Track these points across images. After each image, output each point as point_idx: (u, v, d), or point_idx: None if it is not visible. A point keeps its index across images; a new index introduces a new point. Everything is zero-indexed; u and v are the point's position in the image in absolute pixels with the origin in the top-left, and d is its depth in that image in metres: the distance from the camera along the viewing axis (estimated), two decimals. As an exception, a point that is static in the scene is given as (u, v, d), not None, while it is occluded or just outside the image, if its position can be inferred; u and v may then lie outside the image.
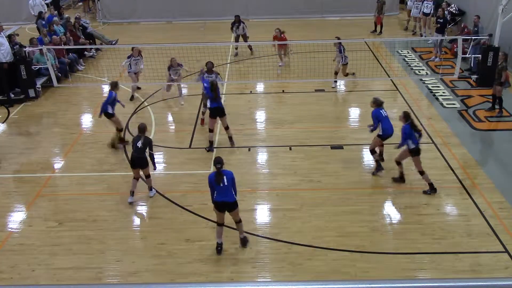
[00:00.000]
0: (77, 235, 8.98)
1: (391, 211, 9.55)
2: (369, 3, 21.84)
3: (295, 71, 15.33)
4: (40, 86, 15.19)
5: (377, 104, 10.38)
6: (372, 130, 10.45)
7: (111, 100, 11.32)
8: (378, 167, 10.61)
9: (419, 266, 8.11)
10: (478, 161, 11.05)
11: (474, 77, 15.38)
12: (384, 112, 10.40)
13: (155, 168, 9.83)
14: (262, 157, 11.61)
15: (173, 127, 13.43)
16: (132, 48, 14.43)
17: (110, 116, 11.48)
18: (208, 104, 11.45)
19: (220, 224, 8.31)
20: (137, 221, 9.53)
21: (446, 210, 9.52)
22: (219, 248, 8.35)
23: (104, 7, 23.65)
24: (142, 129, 9.59)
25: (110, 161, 11.34)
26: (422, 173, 9.83)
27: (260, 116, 13.80)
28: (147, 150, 9.48)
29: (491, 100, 13.50)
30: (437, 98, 14.37)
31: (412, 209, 9.45)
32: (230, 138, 11.79)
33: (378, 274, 7.86)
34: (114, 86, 11.48)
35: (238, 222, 8.39)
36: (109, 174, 10.79)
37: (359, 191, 10.04)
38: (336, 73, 14.93)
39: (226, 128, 11.65)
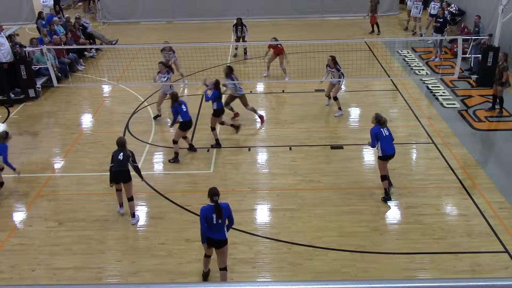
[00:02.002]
0: (77, 235, 8.98)
1: (391, 211, 9.55)
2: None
3: (295, 71, 15.33)
4: (40, 86, 15.19)
5: (379, 121, 9.47)
6: (372, 146, 9.66)
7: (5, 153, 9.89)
8: (387, 196, 9.71)
9: (419, 266, 8.11)
10: (478, 161, 11.05)
11: (474, 77, 15.38)
12: (386, 131, 9.48)
13: (142, 179, 9.41)
14: (262, 157, 11.61)
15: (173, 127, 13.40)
16: (160, 64, 13.00)
17: None
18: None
19: (208, 256, 7.75)
20: (137, 221, 9.53)
21: (446, 210, 9.52)
22: (205, 275, 7.92)
23: (104, 7, 23.64)
24: (122, 143, 9.12)
25: (110, 161, 11.32)
26: (213, 129, 11.76)
27: (260, 116, 13.79)
28: (130, 163, 9.01)
29: (491, 100, 13.51)
30: (437, 98, 14.37)
31: (412, 209, 9.45)
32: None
33: (378, 274, 7.86)
34: (4, 137, 9.98)
35: (223, 269, 7.53)
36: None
37: (359, 191, 10.04)
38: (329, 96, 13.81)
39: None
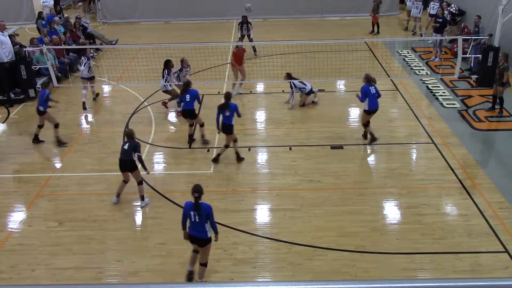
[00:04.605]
0: (77, 235, 8.98)
1: (391, 211, 9.55)
2: (369, 3, 21.83)
3: (295, 71, 15.31)
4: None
5: (368, 80, 11.40)
6: (360, 100, 11.47)
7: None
8: (373, 138, 11.69)
9: (419, 266, 8.11)
10: (478, 161, 11.05)
11: (474, 77, 15.38)
12: (374, 89, 11.33)
13: (146, 171, 9.61)
14: (262, 157, 11.61)
15: (173, 127, 13.43)
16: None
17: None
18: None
19: (195, 251, 7.75)
20: (137, 221, 9.53)
21: (446, 210, 9.52)
22: (190, 276, 7.81)
23: (104, 7, 23.65)
24: (129, 134, 9.59)
25: (110, 161, 11.33)
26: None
27: (260, 116, 13.79)
28: (135, 154, 9.34)
29: (491, 100, 13.50)
30: (437, 98, 14.37)
31: (412, 209, 9.45)
32: (202, 136, 12.06)
33: (378, 274, 7.86)
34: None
35: (203, 264, 7.60)
36: (109, 174, 10.78)
37: (359, 191, 10.04)
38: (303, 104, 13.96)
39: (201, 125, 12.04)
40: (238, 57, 14.77)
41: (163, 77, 13.25)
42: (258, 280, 8.00)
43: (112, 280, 8.04)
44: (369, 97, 11.26)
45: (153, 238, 8.86)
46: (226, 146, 11.00)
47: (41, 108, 11.78)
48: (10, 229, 9.23)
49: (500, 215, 9.17)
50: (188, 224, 7.42)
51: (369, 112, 11.43)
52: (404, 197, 9.85)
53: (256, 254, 8.41)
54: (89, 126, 13.48)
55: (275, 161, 11.28)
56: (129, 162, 9.36)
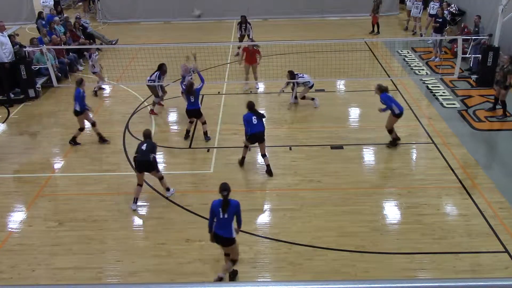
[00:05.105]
0: (77, 235, 8.98)
1: (391, 211, 9.55)
2: (369, 3, 21.84)
3: (295, 70, 15.30)
4: (40, 86, 15.20)
5: (382, 90, 11.39)
6: (388, 108, 11.30)
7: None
8: (394, 142, 11.63)
9: (419, 266, 8.11)
10: (478, 161, 11.04)
11: (474, 77, 15.38)
12: (390, 94, 11.57)
13: (158, 171, 9.69)
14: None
15: (173, 127, 13.43)
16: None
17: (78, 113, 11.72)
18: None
19: (227, 254, 7.71)
20: (137, 221, 9.53)
21: (446, 210, 9.52)
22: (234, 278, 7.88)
23: (104, 7, 23.66)
24: (147, 135, 9.62)
25: (110, 161, 11.35)
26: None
27: (260, 116, 13.77)
28: (151, 154, 9.34)
29: (491, 100, 13.48)
30: (437, 98, 14.37)
31: (412, 209, 9.45)
32: (205, 133, 12.09)
33: (378, 274, 7.86)
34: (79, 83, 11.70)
35: (232, 261, 7.70)
36: (109, 174, 10.79)
37: (359, 191, 10.04)
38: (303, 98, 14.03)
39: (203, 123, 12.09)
40: (249, 53, 14.78)
41: (151, 76, 13.37)
42: (258, 280, 8.00)
43: (112, 280, 8.04)
44: (394, 102, 11.34)
45: (153, 238, 8.87)
46: (264, 155, 10.71)
47: (77, 108, 11.54)
48: (10, 229, 9.23)
49: (500, 215, 9.17)
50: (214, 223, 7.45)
51: (400, 115, 11.30)
52: (404, 197, 9.85)
53: (256, 254, 8.41)
54: (89, 126, 13.45)
55: (275, 161, 11.27)
56: (146, 162, 9.33)
